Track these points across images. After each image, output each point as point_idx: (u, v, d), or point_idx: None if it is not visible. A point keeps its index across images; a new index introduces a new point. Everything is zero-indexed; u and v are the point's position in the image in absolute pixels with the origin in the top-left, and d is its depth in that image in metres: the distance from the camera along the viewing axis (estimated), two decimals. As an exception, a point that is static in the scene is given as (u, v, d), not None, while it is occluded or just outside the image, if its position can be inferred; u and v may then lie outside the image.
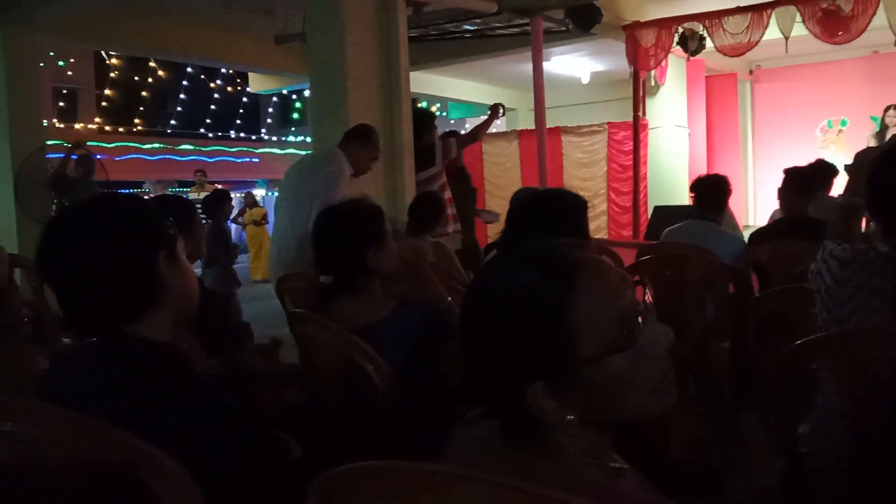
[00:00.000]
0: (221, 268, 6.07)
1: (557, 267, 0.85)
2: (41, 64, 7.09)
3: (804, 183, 3.80)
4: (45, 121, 7.13)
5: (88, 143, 8.11)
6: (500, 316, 0.84)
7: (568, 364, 0.81)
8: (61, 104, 16.60)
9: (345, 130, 4.15)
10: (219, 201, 6.27)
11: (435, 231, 3.92)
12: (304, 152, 18.75)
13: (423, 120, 4.92)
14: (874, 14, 6.12)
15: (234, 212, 7.30)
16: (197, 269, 1.96)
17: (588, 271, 0.84)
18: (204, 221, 6.45)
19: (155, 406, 1.10)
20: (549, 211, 1.79)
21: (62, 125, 15.54)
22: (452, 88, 11.41)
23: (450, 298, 2.08)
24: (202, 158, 17.74)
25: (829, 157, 5.85)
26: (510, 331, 0.82)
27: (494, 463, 0.86)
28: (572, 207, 1.82)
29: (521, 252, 0.89)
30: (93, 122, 16.77)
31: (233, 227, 6.83)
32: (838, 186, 4.21)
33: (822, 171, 4.36)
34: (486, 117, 5.36)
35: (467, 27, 7.02)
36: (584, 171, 9.51)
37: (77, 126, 16.25)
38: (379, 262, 1.93)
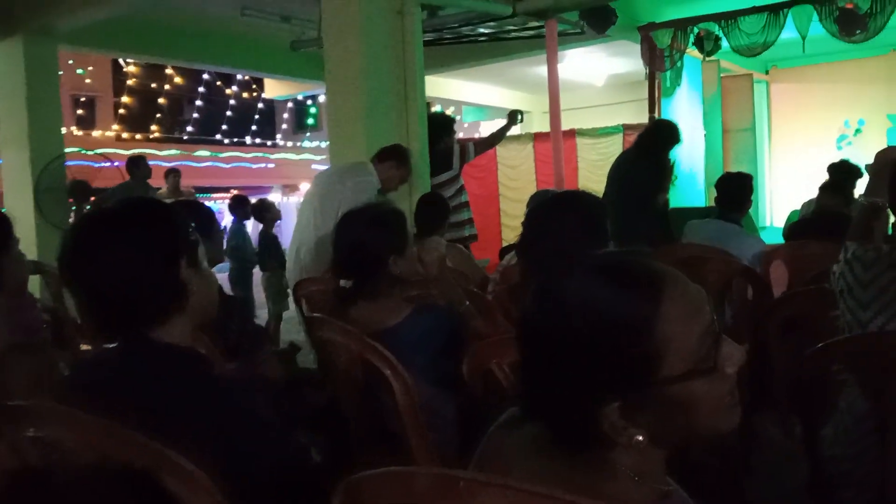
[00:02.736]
0: (272, 273, 6.20)
1: (639, 280, 0.81)
2: (60, 72, 7.17)
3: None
4: (63, 128, 7.20)
5: (106, 151, 8.25)
6: (577, 331, 0.79)
7: (648, 384, 0.78)
8: (80, 112, 16.79)
9: (361, 135, 4.17)
10: (268, 209, 6.49)
11: (442, 231, 3.87)
12: (319, 157, 18.87)
13: (444, 124, 4.94)
14: (893, 11, 6.05)
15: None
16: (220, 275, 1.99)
17: (670, 285, 0.81)
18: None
19: (179, 409, 1.11)
20: (569, 214, 1.78)
21: (81, 132, 15.71)
22: (467, 92, 11.41)
23: (468, 302, 2.08)
24: (218, 164, 17.88)
25: (848, 158, 5.82)
26: (589, 347, 0.78)
27: (541, 473, 0.82)
28: (593, 210, 1.82)
29: (594, 262, 0.85)
30: (111, 130, 16.93)
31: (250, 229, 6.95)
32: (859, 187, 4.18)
33: (845, 173, 4.36)
34: (504, 123, 5.33)
35: (482, 30, 7.02)
36: (600, 172, 9.42)
37: (95, 133, 16.42)
38: (400, 269, 1.93)
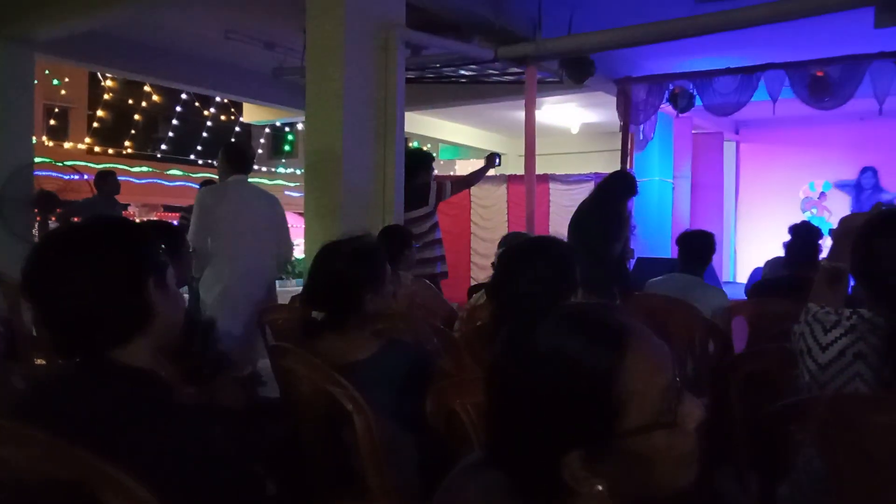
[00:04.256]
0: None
1: (606, 333, 0.83)
2: (35, 81, 7.10)
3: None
4: (34, 138, 7.10)
5: (76, 163, 8.14)
6: (544, 380, 0.81)
7: (610, 435, 0.80)
8: (52, 122, 16.57)
9: (338, 167, 4.17)
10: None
11: (402, 264, 3.81)
12: (293, 184, 18.80)
13: (422, 160, 4.97)
14: (861, 82, 6.29)
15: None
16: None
17: (636, 339, 0.83)
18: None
19: (135, 432, 1.08)
20: (542, 259, 1.80)
21: (52, 143, 15.49)
22: (445, 131, 11.52)
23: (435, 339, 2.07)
24: (190, 185, 17.70)
25: (811, 219, 5.99)
26: (554, 396, 0.80)
27: None
28: (565, 257, 1.83)
29: (563, 315, 0.87)
30: (83, 142, 16.72)
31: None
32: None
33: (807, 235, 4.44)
34: (482, 164, 5.37)
35: (463, 72, 7.12)
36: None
37: (66, 145, 16.21)
38: (375, 306, 1.92)
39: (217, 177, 4.40)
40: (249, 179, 4.19)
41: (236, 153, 4.15)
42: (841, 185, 9.86)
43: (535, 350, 0.84)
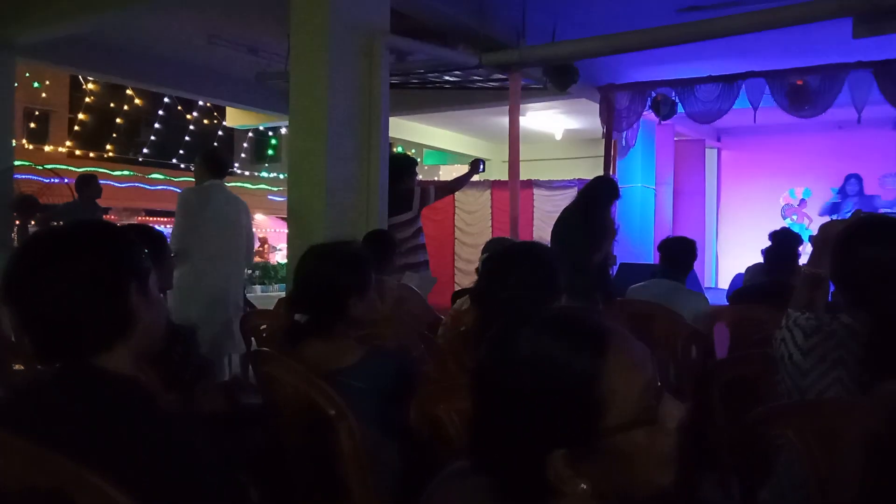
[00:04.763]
0: None
1: (587, 336, 0.86)
2: (15, 84, 7.02)
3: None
4: (13, 141, 7.02)
5: (56, 167, 8.06)
6: (527, 382, 0.83)
7: (592, 433, 0.82)
8: (32, 125, 16.40)
9: (321, 172, 4.18)
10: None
11: (386, 270, 3.78)
12: (276, 188, 18.72)
13: (406, 165, 4.97)
14: (840, 91, 6.37)
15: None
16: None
17: (616, 341, 0.85)
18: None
19: (117, 440, 1.07)
20: (527, 265, 1.80)
21: (32, 146, 15.34)
22: (429, 136, 11.54)
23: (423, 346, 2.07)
24: (172, 189, 17.58)
25: (791, 226, 6.06)
26: (539, 397, 0.82)
27: None
28: (551, 262, 1.84)
29: (545, 318, 0.90)
30: (63, 146, 16.56)
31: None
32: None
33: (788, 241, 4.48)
34: (467, 169, 5.39)
35: (448, 78, 7.14)
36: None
37: (47, 149, 16.04)
38: (359, 311, 1.91)
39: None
40: (233, 183, 4.24)
41: (214, 158, 4.29)
42: (827, 203, 9.98)
43: (518, 353, 0.86)
